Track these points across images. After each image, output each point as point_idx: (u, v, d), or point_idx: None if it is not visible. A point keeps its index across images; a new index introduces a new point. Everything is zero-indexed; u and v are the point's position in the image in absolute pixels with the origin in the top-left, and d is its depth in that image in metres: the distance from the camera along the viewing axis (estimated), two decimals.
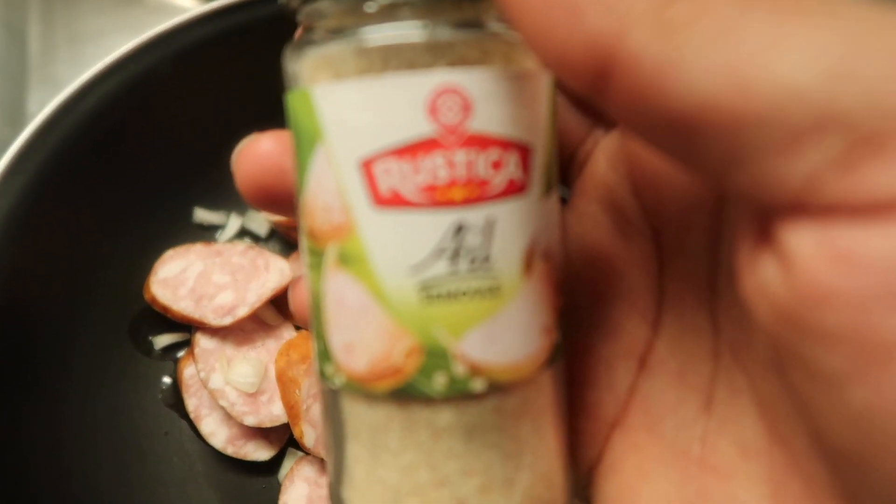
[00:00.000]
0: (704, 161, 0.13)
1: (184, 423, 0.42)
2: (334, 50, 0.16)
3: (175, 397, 0.42)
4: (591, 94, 0.13)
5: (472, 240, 0.15)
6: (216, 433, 0.41)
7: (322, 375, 0.17)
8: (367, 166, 0.15)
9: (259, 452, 0.41)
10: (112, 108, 0.38)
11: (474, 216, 0.15)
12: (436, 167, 0.15)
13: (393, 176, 0.15)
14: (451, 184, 0.15)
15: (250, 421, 0.40)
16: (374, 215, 0.15)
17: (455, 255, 0.15)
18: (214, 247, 0.43)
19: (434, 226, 0.15)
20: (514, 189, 0.16)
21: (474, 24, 0.16)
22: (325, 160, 0.16)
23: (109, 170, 0.39)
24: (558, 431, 0.18)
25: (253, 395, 0.40)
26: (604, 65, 0.13)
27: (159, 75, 0.38)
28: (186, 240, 0.43)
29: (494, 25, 0.16)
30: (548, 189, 0.17)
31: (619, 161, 0.20)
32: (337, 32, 0.16)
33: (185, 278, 0.41)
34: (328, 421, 0.18)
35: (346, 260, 0.16)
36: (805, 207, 0.12)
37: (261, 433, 0.41)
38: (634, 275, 0.19)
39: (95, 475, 0.38)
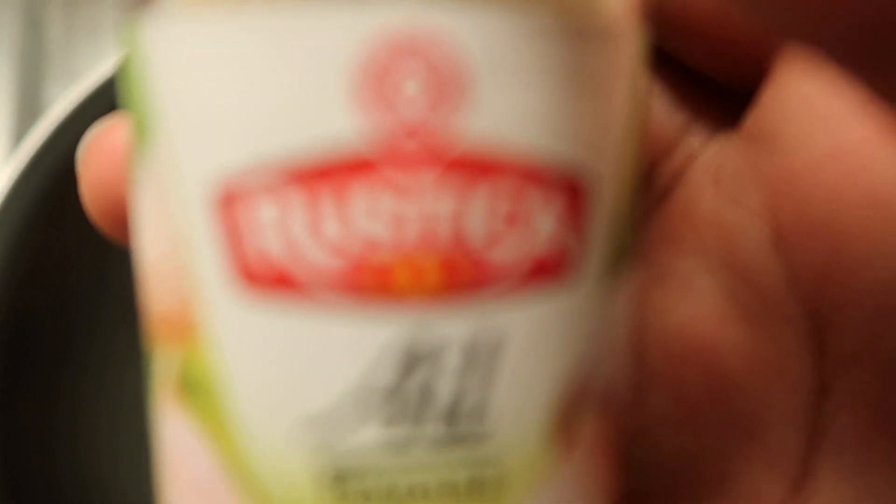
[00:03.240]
0: None
1: None
2: None
3: None
4: None
5: (449, 376, 0.07)
6: None
7: None
8: (225, 202, 0.07)
9: None
10: None
11: (454, 328, 0.07)
12: (370, 217, 0.07)
13: (276, 228, 0.07)
14: (405, 257, 0.07)
15: None
16: (237, 308, 0.07)
17: (403, 406, 0.07)
18: None
19: (360, 342, 0.07)
20: (548, 270, 0.07)
21: None
22: (154, 177, 0.08)
23: None
24: None
25: None
26: None
27: None
28: None
29: None
30: (616, 262, 0.08)
31: (746, 187, 0.11)
32: None
33: None
34: None
35: (187, 387, 0.08)
36: None
37: None
38: (771, 392, 0.11)
39: (112, 472, 0.36)
